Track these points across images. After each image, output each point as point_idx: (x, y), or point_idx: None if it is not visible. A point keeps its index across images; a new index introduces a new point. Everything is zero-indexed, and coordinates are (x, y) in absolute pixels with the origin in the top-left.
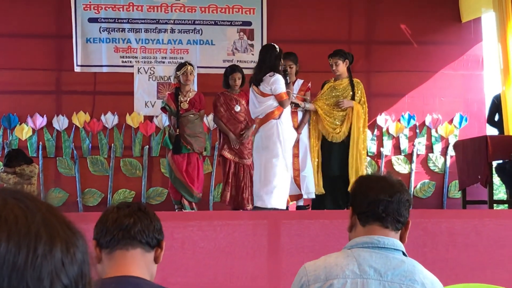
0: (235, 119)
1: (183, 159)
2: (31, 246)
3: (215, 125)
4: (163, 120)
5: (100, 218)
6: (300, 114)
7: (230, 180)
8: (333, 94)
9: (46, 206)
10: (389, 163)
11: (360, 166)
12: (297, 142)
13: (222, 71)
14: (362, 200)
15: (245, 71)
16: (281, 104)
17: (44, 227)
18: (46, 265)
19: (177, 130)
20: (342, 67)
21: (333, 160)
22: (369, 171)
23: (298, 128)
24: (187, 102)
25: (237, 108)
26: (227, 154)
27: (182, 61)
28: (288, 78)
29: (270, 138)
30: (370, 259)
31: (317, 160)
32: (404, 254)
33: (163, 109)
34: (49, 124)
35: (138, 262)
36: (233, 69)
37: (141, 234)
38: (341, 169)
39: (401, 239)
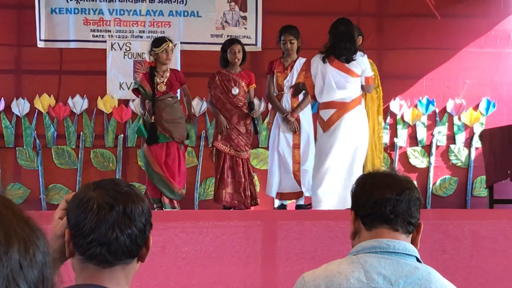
0: (232, 104)
1: (161, 150)
2: None
3: (201, 111)
4: (139, 104)
5: (77, 201)
6: (300, 96)
7: (225, 176)
8: None
9: (2, 200)
10: (404, 156)
11: (377, 158)
12: (298, 130)
13: (209, 47)
14: (366, 200)
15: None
16: (368, 88)
17: None
18: (1, 268)
19: (153, 117)
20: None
21: None
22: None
23: (293, 111)
24: (164, 83)
25: (235, 91)
26: (220, 145)
27: (162, 35)
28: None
29: (359, 127)
30: (378, 265)
31: None
32: (418, 260)
33: (135, 91)
34: (7, 109)
35: (117, 280)
36: (231, 41)
37: (122, 248)
38: None
39: (413, 244)
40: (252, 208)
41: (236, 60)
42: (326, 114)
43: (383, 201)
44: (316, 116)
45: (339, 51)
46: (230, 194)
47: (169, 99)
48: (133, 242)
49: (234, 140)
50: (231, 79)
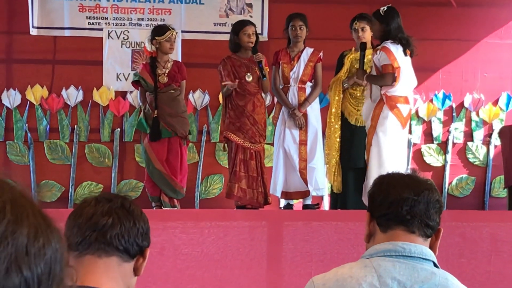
0: (245, 91)
1: (163, 145)
2: None
3: (203, 104)
4: (138, 97)
5: (73, 211)
6: (308, 90)
7: (238, 169)
8: (356, 68)
9: (21, 190)
10: (419, 154)
11: None
12: (305, 126)
13: (212, 36)
14: (382, 200)
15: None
16: None
17: (12, 205)
18: (5, 246)
19: (155, 111)
20: (369, 34)
21: (355, 149)
22: None
23: (300, 106)
24: (165, 75)
25: (249, 78)
26: (232, 136)
27: (163, 23)
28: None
29: None
30: (393, 270)
31: (338, 149)
32: (435, 265)
33: (135, 83)
34: None
35: (112, 274)
36: (244, 22)
37: (119, 239)
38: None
39: (431, 250)
40: (264, 207)
41: (249, 43)
42: (406, 109)
43: (400, 200)
44: (324, 111)
45: (409, 43)
46: (243, 189)
47: (172, 91)
48: (129, 236)
49: (249, 131)
50: (243, 65)
